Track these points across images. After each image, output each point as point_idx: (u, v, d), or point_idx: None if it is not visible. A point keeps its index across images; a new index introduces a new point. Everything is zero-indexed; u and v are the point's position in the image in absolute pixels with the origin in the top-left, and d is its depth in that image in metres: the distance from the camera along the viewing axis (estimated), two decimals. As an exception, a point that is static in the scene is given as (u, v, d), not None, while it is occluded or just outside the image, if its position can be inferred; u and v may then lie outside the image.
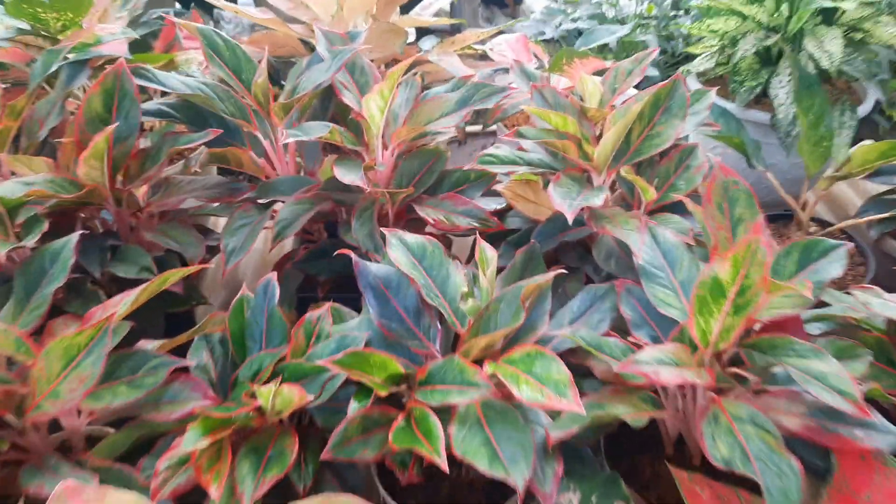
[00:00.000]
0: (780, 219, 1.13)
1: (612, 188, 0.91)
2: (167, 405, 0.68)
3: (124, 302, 0.69)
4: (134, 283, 0.72)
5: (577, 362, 0.69)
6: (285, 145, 0.94)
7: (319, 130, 0.81)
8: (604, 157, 0.83)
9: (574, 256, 0.89)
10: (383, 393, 0.64)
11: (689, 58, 1.43)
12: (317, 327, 0.75)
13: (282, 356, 0.71)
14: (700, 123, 0.90)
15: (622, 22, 1.99)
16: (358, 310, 0.77)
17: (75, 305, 0.80)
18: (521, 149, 0.91)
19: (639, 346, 0.67)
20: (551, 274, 0.68)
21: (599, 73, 1.12)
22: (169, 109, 0.91)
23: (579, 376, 0.66)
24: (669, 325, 0.68)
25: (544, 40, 2.09)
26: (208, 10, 1.74)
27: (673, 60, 1.95)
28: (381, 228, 0.78)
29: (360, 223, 0.86)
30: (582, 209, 0.79)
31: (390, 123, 0.89)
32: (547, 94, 0.92)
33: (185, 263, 0.88)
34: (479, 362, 0.63)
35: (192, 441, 0.61)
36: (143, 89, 1.06)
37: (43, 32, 1.08)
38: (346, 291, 0.96)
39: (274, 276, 0.75)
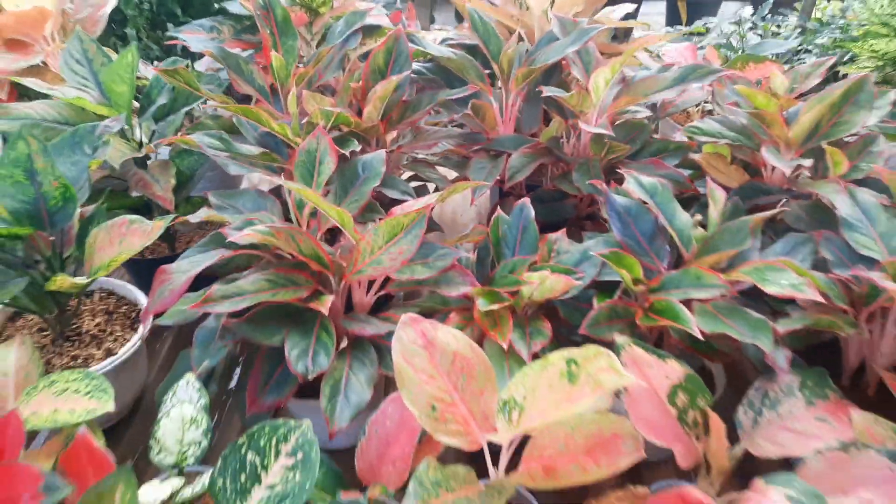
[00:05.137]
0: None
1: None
2: (449, 286, 0.86)
3: (424, 202, 0.88)
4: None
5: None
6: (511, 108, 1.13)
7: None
8: (800, 134, 0.98)
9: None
10: (635, 289, 0.80)
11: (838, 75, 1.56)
12: (556, 245, 0.92)
13: (533, 261, 0.89)
14: (882, 118, 1.04)
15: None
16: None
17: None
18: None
19: (842, 281, 0.81)
20: (767, 213, 0.83)
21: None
22: (426, 71, 1.11)
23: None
24: (868, 265, 0.82)
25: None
26: None
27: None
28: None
29: (580, 174, 1.04)
30: (789, 181, 0.94)
31: (609, 97, 1.07)
32: (740, 84, 1.08)
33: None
34: (712, 273, 0.79)
35: (484, 305, 0.79)
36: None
37: (303, 2, 1.31)
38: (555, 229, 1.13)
39: (528, 200, 0.93)
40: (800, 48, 1.70)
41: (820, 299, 0.70)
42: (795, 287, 0.72)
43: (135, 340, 0.93)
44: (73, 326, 0.96)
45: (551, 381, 0.63)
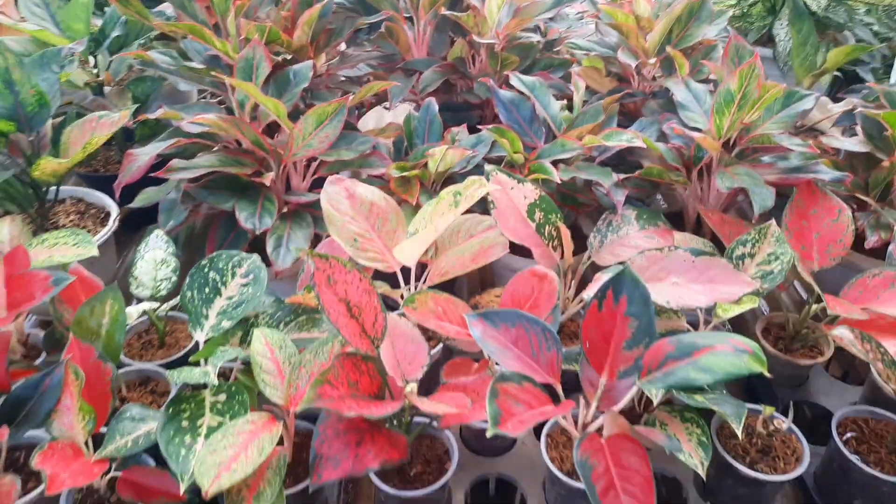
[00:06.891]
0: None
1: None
2: (371, 167, 1.05)
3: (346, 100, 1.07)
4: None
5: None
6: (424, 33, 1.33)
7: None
8: (654, 43, 1.21)
9: (624, 119, 1.26)
10: (515, 157, 1.01)
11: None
12: (458, 135, 1.13)
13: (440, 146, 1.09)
14: (720, 32, 1.27)
15: None
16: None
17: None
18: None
19: (677, 148, 1.04)
20: (617, 96, 1.05)
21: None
22: (348, 3, 1.30)
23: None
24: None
25: None
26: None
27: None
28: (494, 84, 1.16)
29: (480, 85, 1.24)
30: (649, 85, 1.17)
31: (502, 19, 1.27)
32: (612, 9, 1.30)
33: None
34: (574, 141, 1.01)
35: (397, 173, 0.99)
36: None
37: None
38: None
39: (433, 98, 1.13)
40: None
41: (643, 145, 0.93)
42: (629, 140, 0.94)
43: (105, 231, 1.09)
44: (52, 222, 1.11)
45: (443, 211, 0.84)
